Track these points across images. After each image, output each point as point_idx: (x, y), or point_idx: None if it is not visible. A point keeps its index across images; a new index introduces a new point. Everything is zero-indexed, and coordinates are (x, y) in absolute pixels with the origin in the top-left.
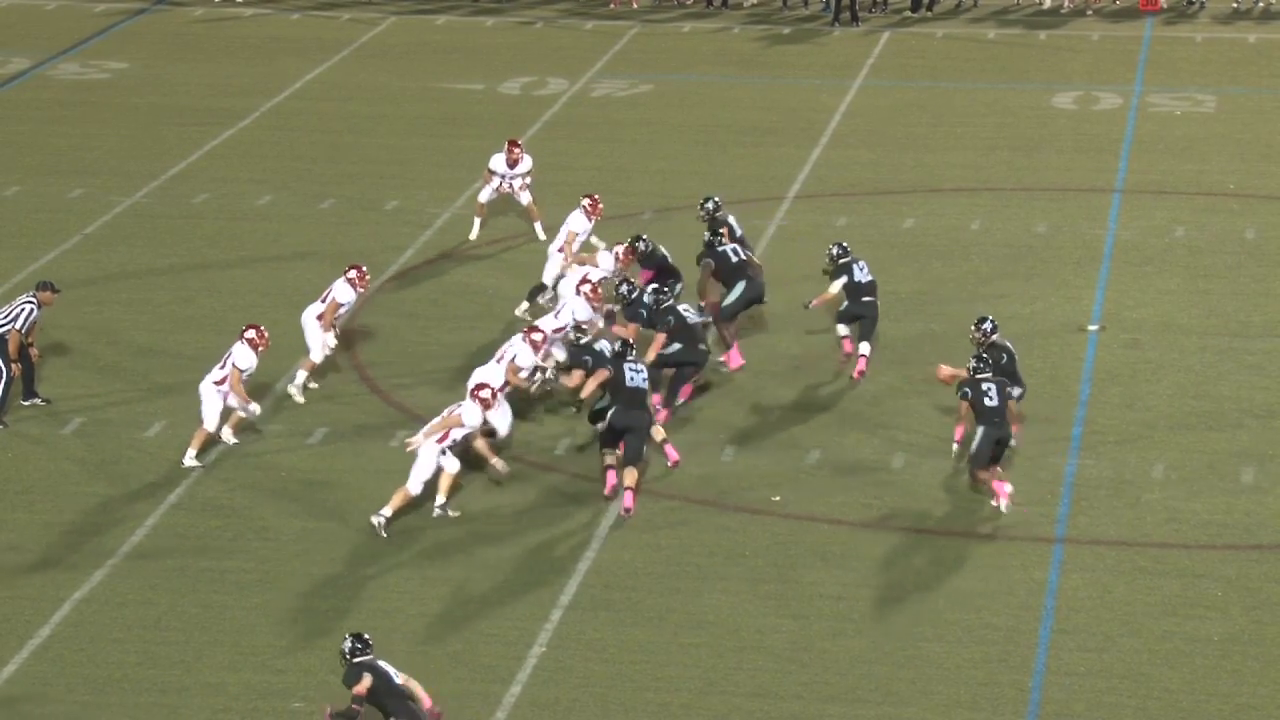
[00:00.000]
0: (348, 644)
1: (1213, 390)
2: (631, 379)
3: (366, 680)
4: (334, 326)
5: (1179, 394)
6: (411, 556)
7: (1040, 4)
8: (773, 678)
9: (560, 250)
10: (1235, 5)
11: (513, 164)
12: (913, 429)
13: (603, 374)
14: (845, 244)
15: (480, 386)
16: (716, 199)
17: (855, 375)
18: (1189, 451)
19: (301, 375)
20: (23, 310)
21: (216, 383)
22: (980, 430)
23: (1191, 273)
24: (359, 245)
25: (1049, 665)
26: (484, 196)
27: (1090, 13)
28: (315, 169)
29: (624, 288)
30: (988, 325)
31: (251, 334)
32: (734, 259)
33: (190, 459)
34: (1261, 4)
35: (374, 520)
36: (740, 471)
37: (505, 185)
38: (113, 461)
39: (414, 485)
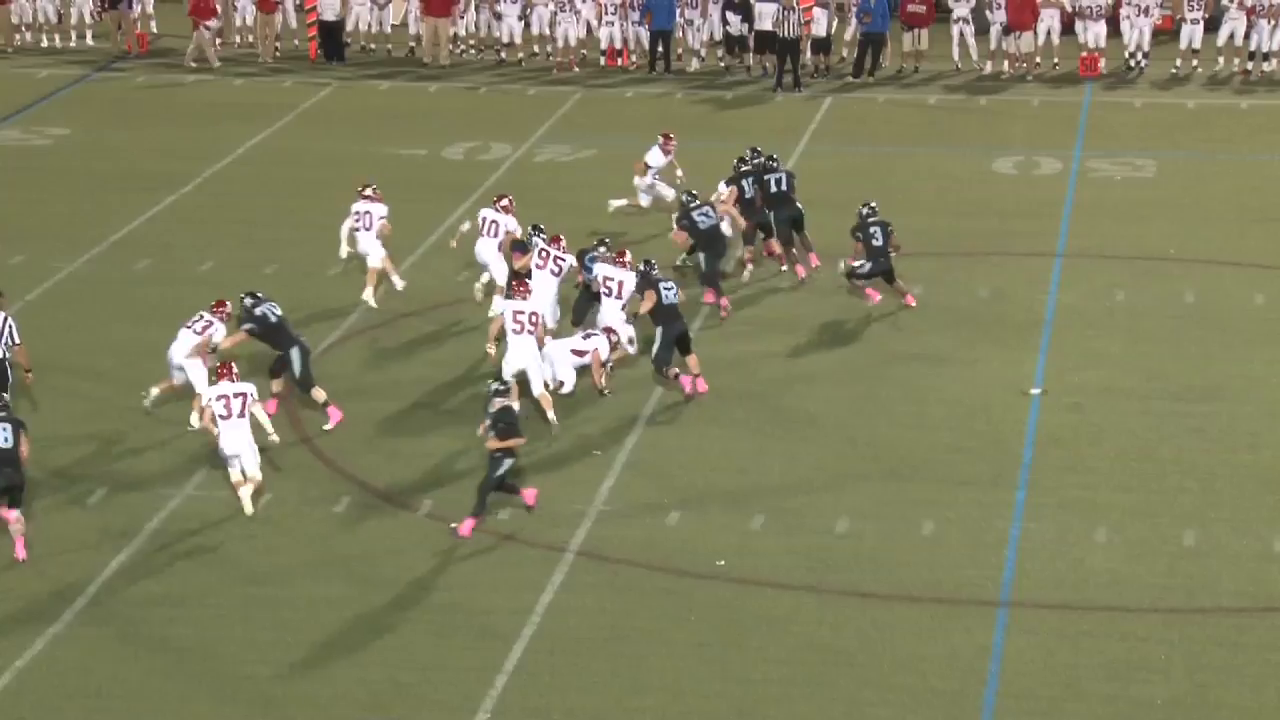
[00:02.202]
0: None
1: (1155, 453)
2: (666, 296)
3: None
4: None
5: (1121, 457)
6: (354, 619)
7: (981, 70)
8: None
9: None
10: (1174, 71)
11: (667, 153)
12: (858, 494)
13: (651, 296)
14: (874, 204)
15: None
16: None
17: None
18: (1132, 514)
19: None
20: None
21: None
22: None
23: (1133, 336)
24: (304, 310)
25: None
26: (643, 199)
27: (1030, 79)
28: (259, 233)
29: (685, 196)
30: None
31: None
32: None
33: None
34: (1199, 69)
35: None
36: (685, 535)
37: (654, 180)
38: (51, 528)
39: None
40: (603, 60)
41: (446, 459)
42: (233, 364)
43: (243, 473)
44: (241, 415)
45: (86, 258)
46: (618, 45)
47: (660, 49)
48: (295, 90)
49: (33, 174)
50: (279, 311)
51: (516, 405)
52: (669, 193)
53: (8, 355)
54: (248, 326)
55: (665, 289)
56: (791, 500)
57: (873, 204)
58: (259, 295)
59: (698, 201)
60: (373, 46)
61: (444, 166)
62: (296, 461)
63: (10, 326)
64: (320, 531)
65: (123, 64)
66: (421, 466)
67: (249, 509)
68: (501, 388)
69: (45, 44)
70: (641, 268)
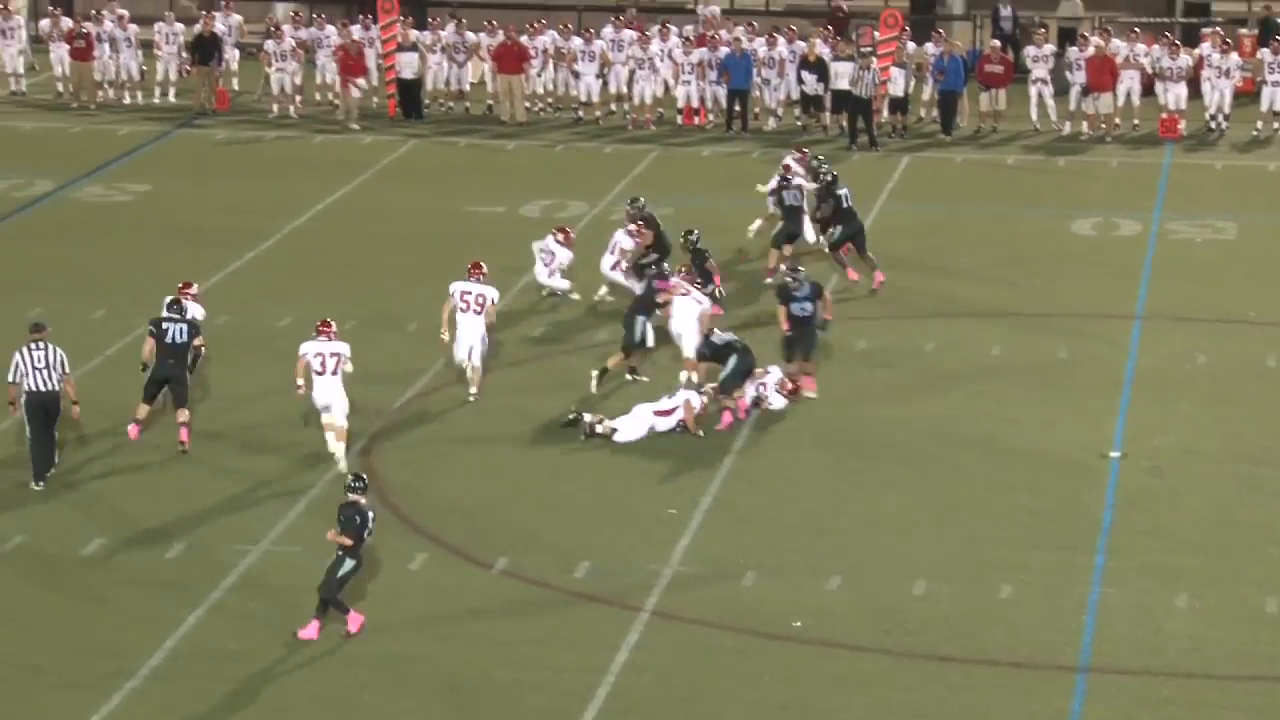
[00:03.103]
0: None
1: (1235, 517)
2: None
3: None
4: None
5: (1201, 521)
6: (427, 676)
7: (1059, 131)
8: None
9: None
10: (1255, 133)
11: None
12: (935, 555)
13: (785, 311)
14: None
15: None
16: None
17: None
18: (1212, 580)
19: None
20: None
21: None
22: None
23: (1213, 399)
24: (381, 365)
25: None
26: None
27: (1110, 140)
28: (337, 289)
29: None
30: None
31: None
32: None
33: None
34: None
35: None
36: (761, 595)
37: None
38: (129, 576)
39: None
40: (679, 119)
41: (522, 516)
42: (331, 323)
43: (332, 423)
44: (334, 373)
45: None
46: (694, 104)
47: (737, 108)
48: (374, 147)
49: (114, 229)
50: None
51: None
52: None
53: (58, 386)
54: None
55: (795, 305)
56: (868, 561)
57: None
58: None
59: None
60: (451, 104)
61: (521, 224)
62: (379, 516)
63: (61, 358)
64: (394, 587)
65: (204, 120)
66: (497, 523)
67: (340, 458)
68: (355, 484)
69: (128, 100)
70: (786, 279)
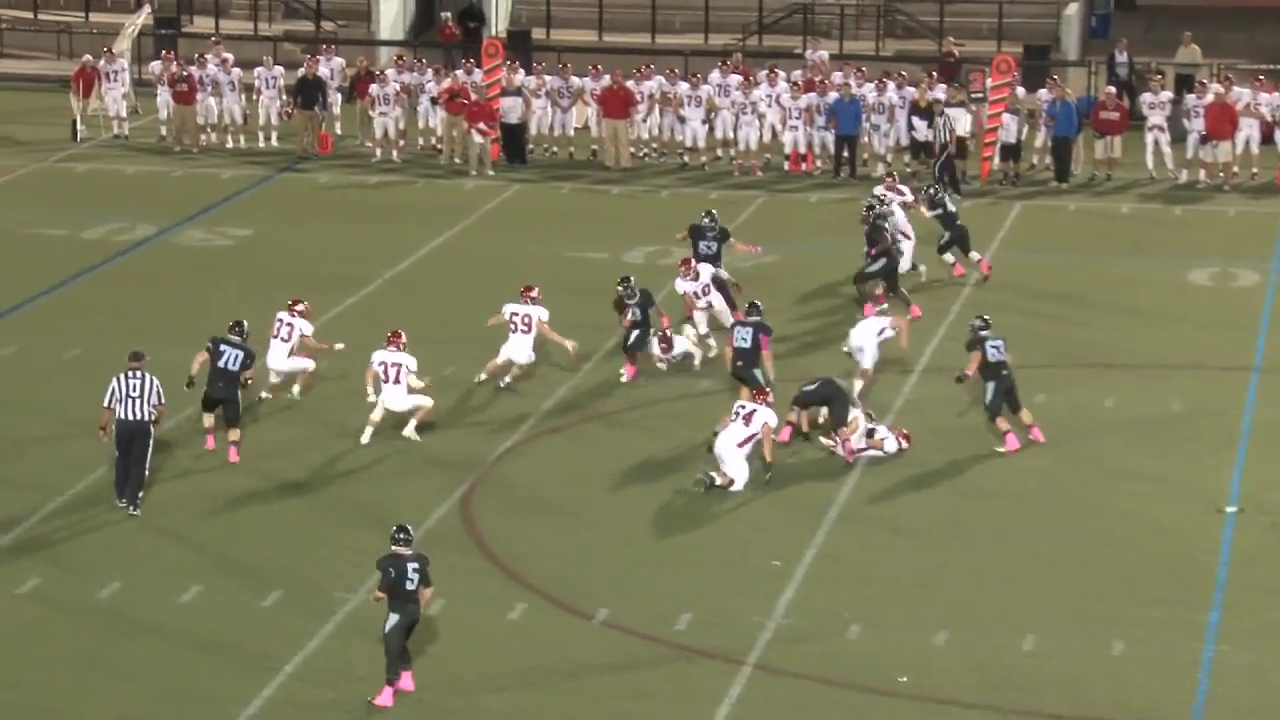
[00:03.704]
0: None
1: None
2: (993, 354)
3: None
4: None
5: None
6: None
7: (1176, 179)
8: None
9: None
10: None
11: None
12: (1044, 610)
13: (978, 355)
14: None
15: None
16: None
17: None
18: None
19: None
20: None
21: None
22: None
23: None
24: (480, 414)
25: None
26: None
27: (1227, 188)
28: (438, 334)
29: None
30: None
31: (302, 306)
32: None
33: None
34: None
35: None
36: (865, 649)
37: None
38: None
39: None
40: (786, 165)
41: (623, 565)
42: (401, 334)
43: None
44: (397, 381)
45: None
46: (802, 150)
47: (845, 154)
48: (477, 192)
49: (215, 274)
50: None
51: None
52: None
53: (151, 416)
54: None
55: (992, 347)
56: (976, 615)
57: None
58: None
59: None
60: (555, 149)
61: (625, 270)
62: (471, 566)
63: (156, 389)
64: (493, 638)
65: (306, 164)
66: (597, 573)
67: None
68: (399, 536)
69: (230, 144)
70: (976, 324)
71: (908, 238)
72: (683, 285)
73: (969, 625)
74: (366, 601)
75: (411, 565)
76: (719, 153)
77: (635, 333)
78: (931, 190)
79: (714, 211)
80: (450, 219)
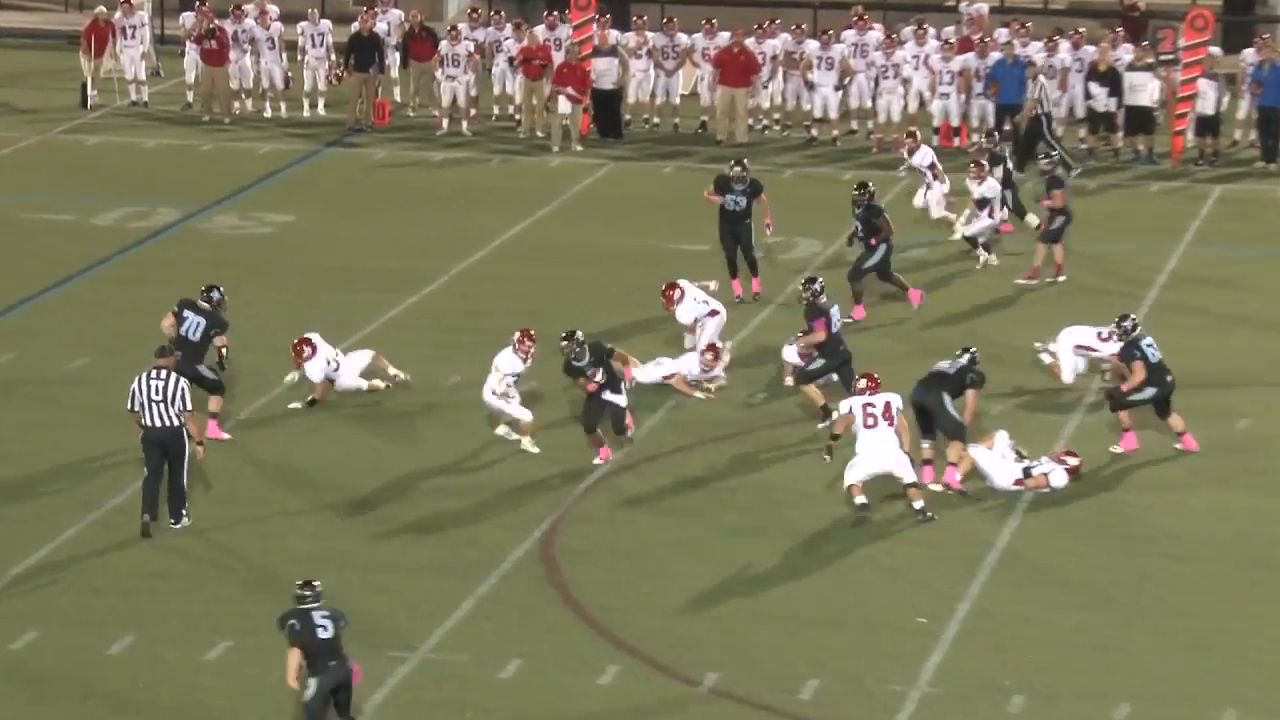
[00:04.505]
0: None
1: None
2: (1151, 355)
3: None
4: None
5: None
6: None
7: None
8: None
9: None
10: None
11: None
12: (1240, 682)
13: (1141, 366)
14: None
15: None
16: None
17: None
18: None
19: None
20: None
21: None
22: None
23: None
24: (565, 438)
25: None
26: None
27: None
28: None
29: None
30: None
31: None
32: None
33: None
34: None
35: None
36: None
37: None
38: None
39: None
40: (935, 140)
41: (735, 622)
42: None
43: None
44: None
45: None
46: (954, 121)
47: (1007, 128)
48: (562, 172)
49: (250, 268)
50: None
51: None
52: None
53: (177, 421)
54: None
55: (1149, 348)
56: (1163, 685)
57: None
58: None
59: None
60: (657, 120)
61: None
62: (554, 620)
63: (183, 390)
64: (581, 705)
65: (359, 138)
66: (705, 630)
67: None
68: (303, 593)
69: (269, 113)
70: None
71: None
72: (686, 311)
73: (1155, 697)
74: (423, 664)
75: (320, 614)
76: (854, 125)
77: (607, 396)
78: (1046, 161)
79: (745, 161)
80: (529, 204)
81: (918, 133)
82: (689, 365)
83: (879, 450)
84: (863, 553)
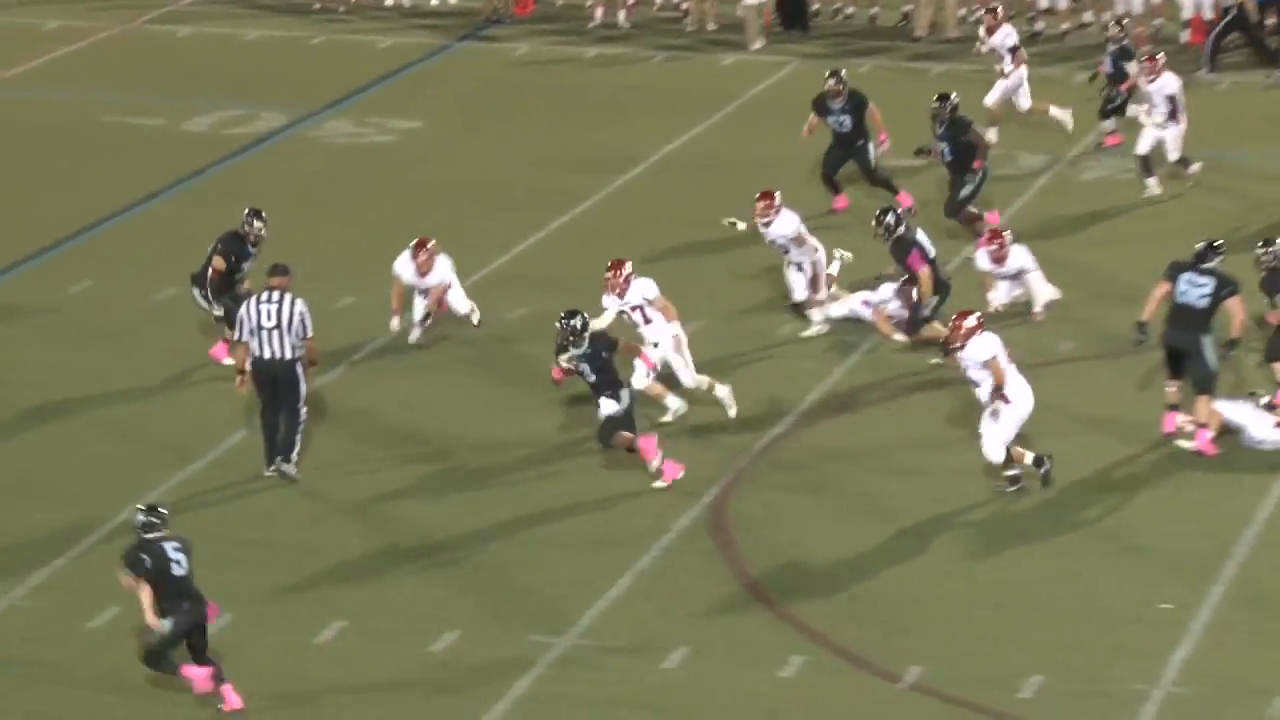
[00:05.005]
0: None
1: None
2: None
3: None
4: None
5: None
6: None
7: None
8: None
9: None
10: None
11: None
12: None
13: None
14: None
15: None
16: None
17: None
18: None
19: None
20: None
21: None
22: None
23: None
24: (742, 387)
25: None
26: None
27: None
28: (680, 270)
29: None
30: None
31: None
32: None
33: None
34: None
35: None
36: None
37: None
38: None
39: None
40: (1184, 35)
41: (941, 608)
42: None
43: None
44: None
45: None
46: (1207, 14)
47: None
48: (738, 71)
49: (367, 183)
50: None
51: None
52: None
53: (293, 353)
54: None
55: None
56: None
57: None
58: None
59: None
60: (850, 10)
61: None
62: (727, 601)
63: (300, 315)
64: (761, 703)
65: (498, 30)
66: (906, 617)
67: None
68: (149, 519)
69: (390, 1)
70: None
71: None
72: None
73: None
74: (572, 647)
75: (171, 546)
76: (1086, 17)
77: (602, 402)
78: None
79: (841, 71)
80: (697, 110)
81: (999, 8)
82: (887, 298)
83: (1026, 394)
84: (1094, 528)
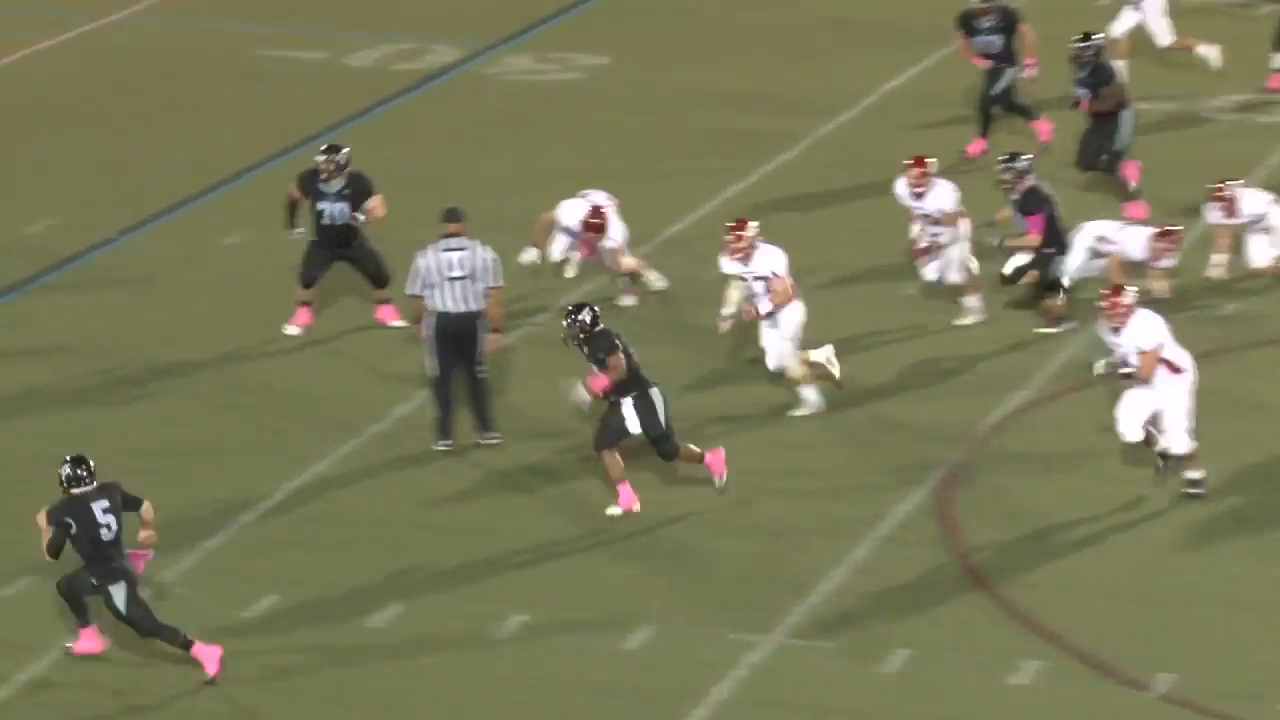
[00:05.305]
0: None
1: None
2: None
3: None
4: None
5: None
6: None
7: None
8: None
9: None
10: None
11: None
12: None
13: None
14: None
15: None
16: None
17: None
18: None
19: None
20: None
21: None
22: None
23: None
24: (975, 365)
25: None
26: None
27: None
28: (893, 220)
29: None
30: None
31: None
32: None
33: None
34: None
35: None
36: None
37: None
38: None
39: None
40: None
41: (1205, 609)
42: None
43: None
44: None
45: (641, 251)
46: None
47: None
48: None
49: (549, 126)
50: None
51: None
52: None
53: (477, 305)
54: None
55: None
56: None
57: None
58: None
59: None
60: None
61: (1212, 131)
62: (953, 597)
63: (487, 262)
64: (992, 711)
65: None
66: (1153, 619)
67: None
68: (80, 472)
69: None
70: None
71: None
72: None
73: None
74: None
75: (100, 505)
76: None
77: (626, 413)
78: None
79: None
80: (922, 44)
81: None
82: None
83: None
84: None
